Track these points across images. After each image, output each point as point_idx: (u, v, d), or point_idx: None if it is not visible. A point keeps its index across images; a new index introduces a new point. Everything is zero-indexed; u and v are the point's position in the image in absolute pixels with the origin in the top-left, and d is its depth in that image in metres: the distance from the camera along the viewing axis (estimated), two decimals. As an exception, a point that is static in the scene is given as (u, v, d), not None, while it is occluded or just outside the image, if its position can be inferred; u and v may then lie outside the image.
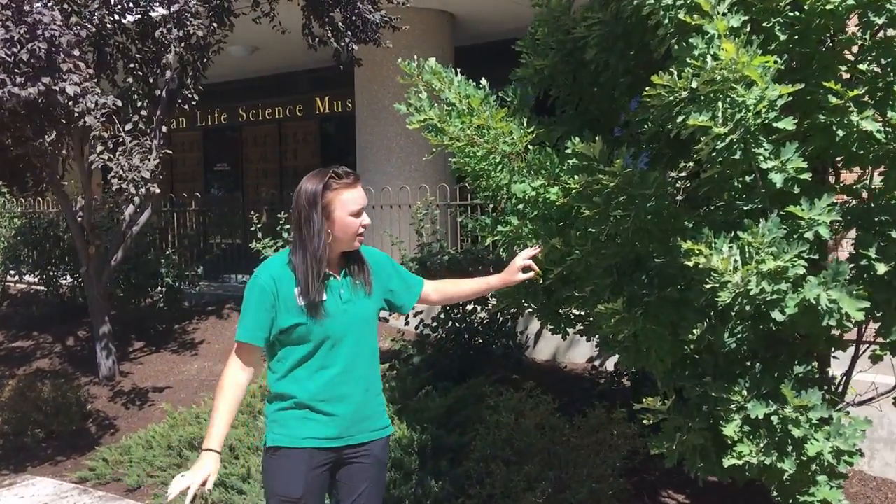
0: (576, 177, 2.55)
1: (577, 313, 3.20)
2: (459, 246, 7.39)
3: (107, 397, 6.61)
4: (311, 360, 2.36)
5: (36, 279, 9.10)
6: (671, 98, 2.27)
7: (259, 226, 7.22)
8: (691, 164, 3.31)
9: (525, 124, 3.01)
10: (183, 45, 6.31)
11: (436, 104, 2.90)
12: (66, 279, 8.90)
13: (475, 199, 7.70)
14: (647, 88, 2.33)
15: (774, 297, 2.10)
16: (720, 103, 2.11)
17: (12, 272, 9.74)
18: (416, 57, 2.99)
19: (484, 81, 3.03)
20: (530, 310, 3.33)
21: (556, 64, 3.41)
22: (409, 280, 2.65)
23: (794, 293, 2.15)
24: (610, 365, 5.90)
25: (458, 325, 6.16)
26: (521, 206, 2.93)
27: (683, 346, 2.57)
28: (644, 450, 4.14)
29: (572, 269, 2.76)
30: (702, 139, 2.17)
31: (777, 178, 2.18)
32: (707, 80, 2.13)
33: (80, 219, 6.68)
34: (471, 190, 3.17)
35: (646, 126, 2.98)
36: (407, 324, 6.55)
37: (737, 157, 2.13)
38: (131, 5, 6.54)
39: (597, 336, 3.20)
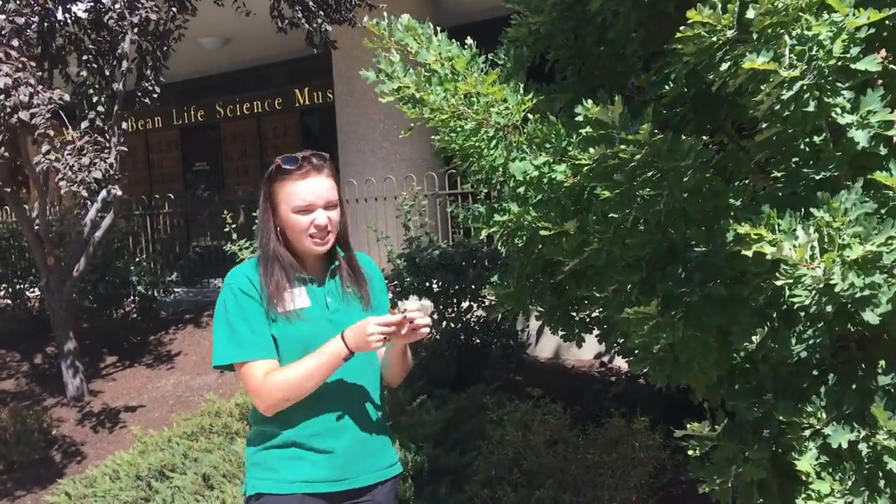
0: (591, 149, 2.02)
1: (592, 314, 2.68)
2: (451, 239, 6.87)
3: (74, 420, 6.08)
4: (323, 392, 1.98)
5: (1, 293, 8.54)
6: (713, 39, 1.75)
7: (234, 226, 6.67)
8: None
9: (522, 90, 2.48)
10: (137, 30, 5.75)
11: (412, 70, 2.36)
12: (33, 292, 8.36)
13: (466, 187, 7.16)
14: (681, 29, 1.80)
15: (866, 292, 1.59)
16: (786, 38, 1.58)
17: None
18: (385, 14, 2.45)
19: (470, 40, 2.49)
20: (537, 313, 2.80)
21: (555, 20, 2.88)
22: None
23: (888, 286, 1.64)
24: (622, 362, 5.40)
25: (452, 325, 5.64)
26: (521, 190, 2.40)
27: (733, 354, 2.06)
28: (671, 462, 3.64)
29: (590, 263, 2.24)
30: (762, 88, 1.64)
31: (860, 136, 1.66)
32: (766, 9, 1.61)
33: (36, 227, 6.13)
34: (460, 174, 2.65)
35: (667, 86, 2.47)
36: (397, 326, 6.03)
37: (809, 109, 1.61)
38: (81, -9, 5.99)
39: (615, 343, 2.68)
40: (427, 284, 5.62)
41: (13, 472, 5.34)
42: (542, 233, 2.25)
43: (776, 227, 1.69)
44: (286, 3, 6.45)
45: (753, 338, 1.88)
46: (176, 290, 8.40)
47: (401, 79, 2.30)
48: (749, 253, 1.70)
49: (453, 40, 2.45)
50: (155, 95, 6.32)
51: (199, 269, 9.44)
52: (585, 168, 2.19)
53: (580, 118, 2.06)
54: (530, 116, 2.35)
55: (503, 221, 2.50)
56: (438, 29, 2.47)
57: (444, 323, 5.63)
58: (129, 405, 6.27)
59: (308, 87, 12.44)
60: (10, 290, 8.31)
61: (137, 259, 8.19)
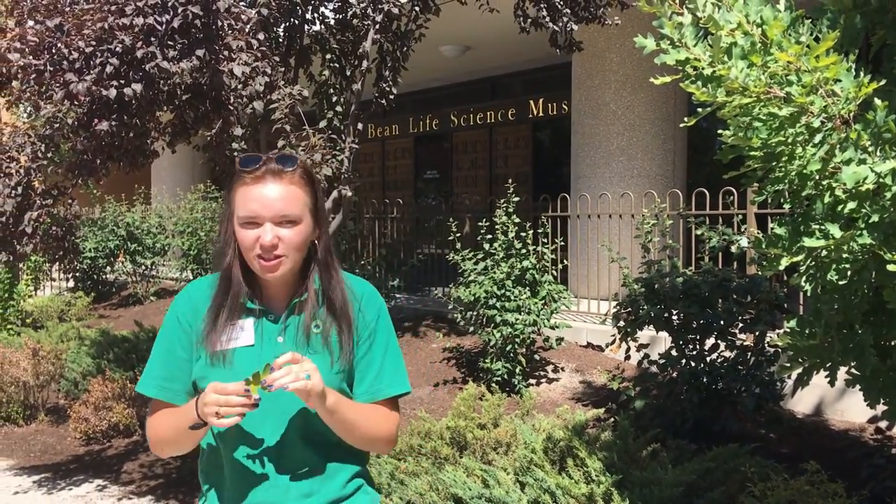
0: None
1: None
2: (695, 265, 6.09)
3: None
4: (223, 437, 1.62)
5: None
6: None
7: (458, 235, 6.38)
8: None
9: (858, 71, 1.81)
10: (379, 28, 5.62)
11: (707, 39, 1.78)
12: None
13: (715, 210, 6.34)
14: None
15: None
16: None
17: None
18: (670, -30, 1.89)
19: (784, 1, 1.86)
20: (848, 376, 2.08)
21: (892, -13, 2.17)
22: (378, 366, 1.69)
23: None
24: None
25: (693, 364, 4.90)
26: (850, 206, 1.73)
27: None
28: None
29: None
30: None
31: None
32: None
33: (270, 223, 6.21)
34: (758, 180, 2.00)
35: None
36: (628, 357, 5.38)
37: None
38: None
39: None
40: (666, 315, 4.92)
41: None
42: (890, 267, 1.57)
43: None
44: (531, 2, 6.05)
45: None
46: (397, 295, 8.30)
47: (690, 48, 1.73)
48: None
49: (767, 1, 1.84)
50: (392, 96, 6.19)
51: (422, 277, 9.34)
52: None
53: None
54: (878, 102, 1.67)
55: (814, 249, 1.83)
56: None
57: (685, 361, 4.90)
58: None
59: (543, 98, 12.08)
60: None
61: (362, 262, 8.20)
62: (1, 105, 7.62)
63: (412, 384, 6.54)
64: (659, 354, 5.07)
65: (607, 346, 6.49)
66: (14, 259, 4.21)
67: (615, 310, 5.20)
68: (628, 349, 5.22)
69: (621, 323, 5.11)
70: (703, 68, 1.74)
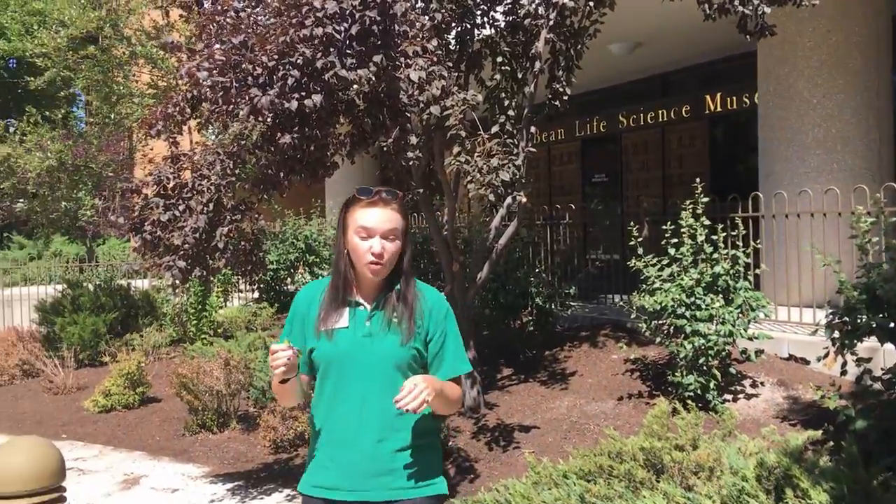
0: None
1: None
2: (920, 267, 5.34)
3: (470, 433, 5.91)
4: (324, 393, 2.20)
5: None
6: None
7: (639, 240, 6.00)
8: None
9: None
10: (553, 26, 5.38)
11: None
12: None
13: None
14: None
15: None
16: None
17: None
18: None
19: None
20: None
21: None
22: (452, 353, 2.24)
23: None
24: None
25: (927, 380, 4.26)
26: None
27: None
28: None
29: None
30: None
31: None
32: None
33: (444, 233, 6.12)
34: None
35: None
36: (844, 372, 4.78)
37: None
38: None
39: None
40: (892, 324, 4.31)
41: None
42: None
43: None
44: (716, -14, 5.58)
45: None
46: (572, 304, 7.99)
47: None
48: None
49: None
50: (565, 97, 5.93)
51: (595, 284, 8.97)
52: None
53: None
54: None
55: None
56: None
57: (917, 378, 4.27)
58: (523, 424, 5.92)
59: (721, 93, 11.35)
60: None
61: (537, 270, 7.95)
62: (193, 127, 8.07)
63: (593, 397, 6.25)
64: (882, 370, 4.47)
65: (819, 359, 5.84)
66: (207, 274, 4.33)
67: (828, 319, 4.64)
68: (844, 363, 4.64)
69: (836, 334, 4.55)
70: None
